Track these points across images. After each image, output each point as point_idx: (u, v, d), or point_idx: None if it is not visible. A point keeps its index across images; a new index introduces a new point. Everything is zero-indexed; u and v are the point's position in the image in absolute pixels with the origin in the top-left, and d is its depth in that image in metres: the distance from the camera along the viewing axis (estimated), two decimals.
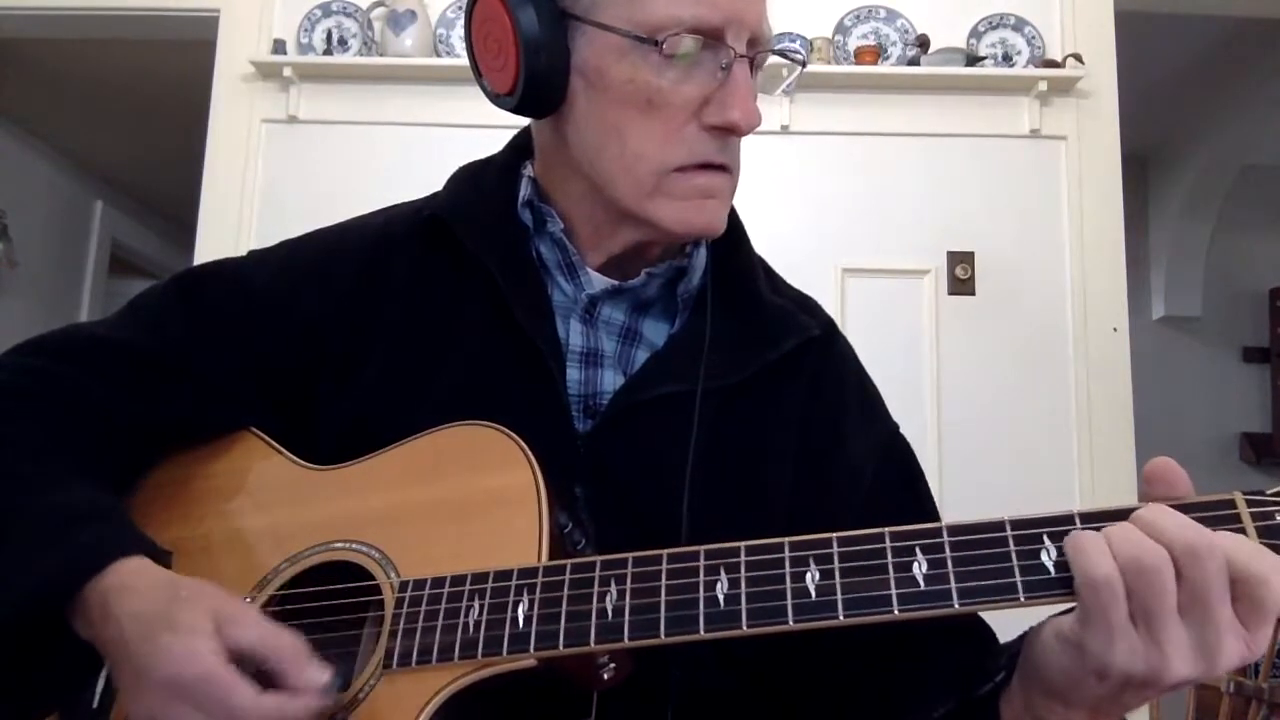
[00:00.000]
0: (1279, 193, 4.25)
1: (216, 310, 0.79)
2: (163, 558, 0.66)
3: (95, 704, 0.67)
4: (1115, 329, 2.57)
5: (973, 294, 2.59)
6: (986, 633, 0.75)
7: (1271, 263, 4.31)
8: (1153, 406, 3.22)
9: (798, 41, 2.65)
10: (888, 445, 0.85)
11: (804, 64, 0.78)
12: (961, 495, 2.27)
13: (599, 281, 0.79)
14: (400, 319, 0.78)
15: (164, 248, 5.27)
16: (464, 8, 0.80)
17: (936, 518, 0.81)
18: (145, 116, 4.11)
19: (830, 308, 0.90)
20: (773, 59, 0.77)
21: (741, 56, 0.72)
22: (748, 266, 0.85)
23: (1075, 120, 2.66)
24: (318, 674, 0.58)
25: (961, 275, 2.59)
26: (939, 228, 2.62)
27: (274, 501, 0.74)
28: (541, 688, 0.61)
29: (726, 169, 0.75)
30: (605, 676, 0.62)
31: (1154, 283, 4.31)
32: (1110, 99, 2.67)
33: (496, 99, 0.78)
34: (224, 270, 0.83)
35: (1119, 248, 2.62)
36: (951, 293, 2.59)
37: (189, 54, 2.99)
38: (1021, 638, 0.61)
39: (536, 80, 0.73)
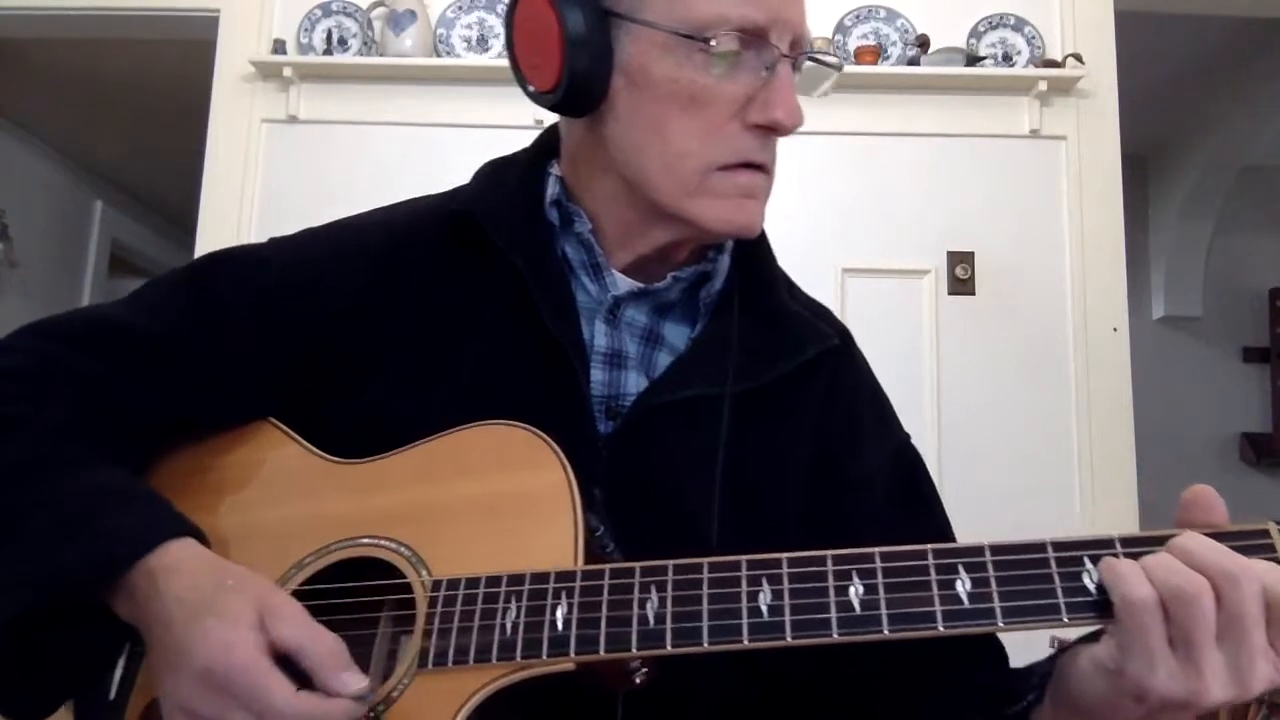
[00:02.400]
0: (1279, 193, 4.25)
1: (234, 301, 0.78)
2: (204, 541, 0.66)
3: (112, 695, 0.67)
4: (1115, 329, 2.57)
5: (973, 294, 2.59)
6: (1002, 650, 0.76)
7: (1271, 263, 4.31)
8: (1153, 406, 3.22)
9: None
10: (900, 456, 0.85)
11: (839, 68, 0.78)
12: (961, 495, 2.25)
13: (624, 283, 0.79)
14: (422, 314, 0.78)
15: (164, 248, 5.27)
16: (506, 5, 0.79)
17: (948, 527, 0.83)
18: (145, 116, 4.11)
19: (830, 307, 0.91)
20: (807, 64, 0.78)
21: (785, 56, 0.72)
22: (771, 274, 0.85)
23: (1075, 120, 2.66)
24: (354, 680, 0.58)
25: (961, 275, 2.59)
26: (939, 228, 2.62)
27: (296, 494, 0.73)
28: (565, 689, 0.61)
29: (766, 169, 0.76)
30: (637, 680, 0.62)
31: (1154, 283, 4.31)
32: (1110, 99, 2.67)
33: (536, 96, 0.78)
34: (244, 258, 0.82)
35: (1119, 248, 2.61)
36: (951, 293, 2.59)
37: (189, 54, 2.98)
38: (1051, 659, 0.62)
39: (579, 78, 0.73)
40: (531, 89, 0.78)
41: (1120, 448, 2.52)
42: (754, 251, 0.84)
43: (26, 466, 0.66)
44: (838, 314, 0.90)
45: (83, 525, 0.63)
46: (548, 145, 0.85)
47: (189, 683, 0.57)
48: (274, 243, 0.84)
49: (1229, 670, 0.52)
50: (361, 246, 0.81)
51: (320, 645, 0.59)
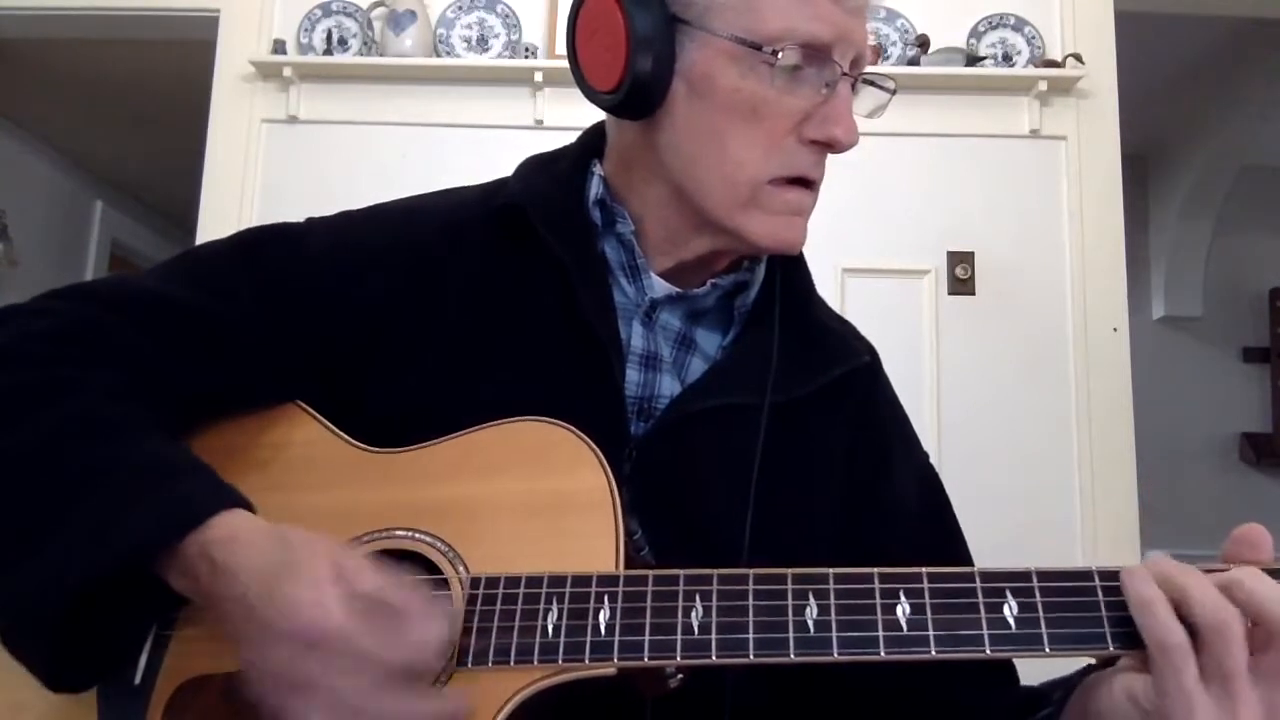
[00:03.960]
0: (1279, 193, 4.25)
1: (277, 282, 0.77)
2: (254, 512, 0.65)
3: (138, 681, 0.66)
4: (1115, 329, 2.57)
5: (973, 294, 2.59)
6: (1014, 670, 0.77)
7: (1271, 263, 4.31)
8: (1153, 406, 3.22)
9: None
10: (924, 476, 0.86)
11: (894, 92, 0.78)
12: (962, 495, 2.23)
13: (661, 287, 0.79)
14: (463, 305, 0.77)
15: (164, 248, 5.27)
16: (570, 2, 0.79)
17: (965, 546, 0.84)
18: (145, 116, 4.11)
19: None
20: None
21: (846, 75, 0.73)
22: (808, 288, 0.85)
23: (1075, 120, 2.66)
24: (439, 621, 0.58)
25: (961, 275, 2.59)
26: (939, 228, 2.62)
27: (328, 482, 0.72)
28: (595, 690, 0.60)
29: (814, 186, 0.76)
30: (672, 685, 0.62)
31: (1154, 283, 4.31)
32: (1110, 99, 2.67)
33: (594, 95, 0.78)
34: (287, 238, 0.81)
35: (1119, 248, 2.61)
36: (951, 293, 2.59)
37: (189, 54, 2.98)
38: (1073, 677, 0.63)
39: (641, 81, 0.73)
40: (590, 88, 0.78)
41: (1120, 448, 2.52)
42: (792, 264, 0.84)
43: (77, 431, 0.65)
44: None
45: (136, 497, 0.62)
46: (592, 144, 0.85)
47: (282, 649, 0.57)
48: (315, 224, 0.83)
49: (1265, 706, 0.53)
50: (407, 238, 0.80)
51: (399, 591, 0.59)
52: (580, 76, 0.78)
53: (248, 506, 0.65)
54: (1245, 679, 0.53)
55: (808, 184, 0.75)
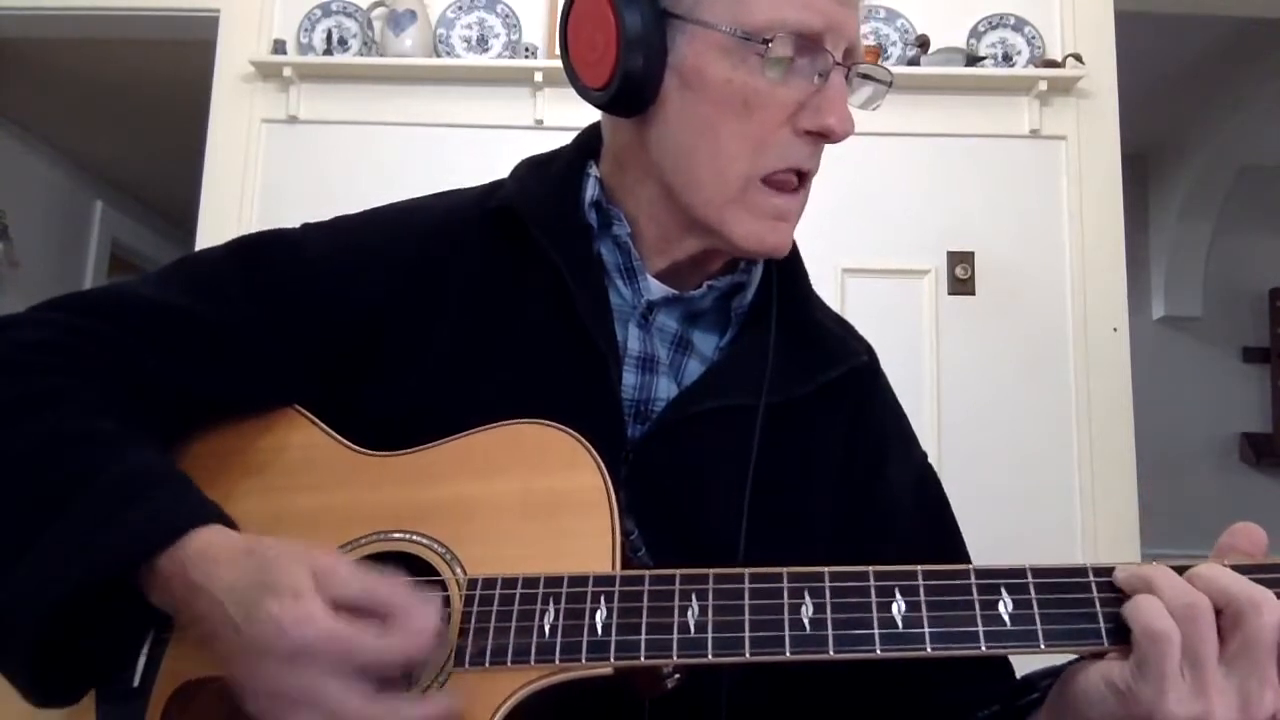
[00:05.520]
0: (1279, 193, 4.25)
1: (276, 285, 0.77)
2: (233, 527, 0.65)
3: (136, 682, 0.66)
4: (1115, 329, 2.57)
5: (973, 294, 2.59)
6: (1010, 666, 0.77)
7: (1271, 263, 4.31)
8: (1153, 406, 3.22)
9: None
10: (922, 475, 0.86)
11: (890, 83, 0.78)
12: (961, 495, 2.23)
13: (657, 289, 0.79)
14: (460, 308, 0.77)
15: (164, 248, 5.27)
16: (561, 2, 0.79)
17: (963, 545, 0.84)
18: (145, 116, 4.11)
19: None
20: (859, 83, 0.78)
21: (839, 64, 0.72)
22: (805, 289, 0.85)
23: (1075, 120, 2.66)
24: (429, 610, 0.58)
25: (961, 275, 2.59)
26: (939, 228, 2.62)
27: (326, 484, 0.72)
28: (592, 691, 0.60)
29: (805, 184, 0.76)
30: (669, 685, 0.62)
31: (1154, 283, 4.31)
32: (1110, 99, 2.67)
33: (587, 93, 0.78)
34: (283, 243, 0.81)
35: (1119, 248, 2.61)
36: (951, 293, 2.59)
37: (189, 54, 2.98)
38: (1061, 666, 0.62)
39: (633, 77, 0.73)
40: (582, 85, 0.77)
41: (1120, 448, 2.52)
42: (789, 265, 0.84)
43: (59, 444, 0.65)
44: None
45: (111, 514, 0.62)
46: (587, 145, 0.85)
47: (273, 667, 0.56)
48: (311, 228, 0.83)
49: (1238, 695, 0.53)
50: (404, 241, 0.80)
51: (383, 589, 0.58)
52: (573, 74, 0.78)
53: (226, 520, 0.64)
54: (1216, 665, 0.53)
55: (801, 177, 0.75)
